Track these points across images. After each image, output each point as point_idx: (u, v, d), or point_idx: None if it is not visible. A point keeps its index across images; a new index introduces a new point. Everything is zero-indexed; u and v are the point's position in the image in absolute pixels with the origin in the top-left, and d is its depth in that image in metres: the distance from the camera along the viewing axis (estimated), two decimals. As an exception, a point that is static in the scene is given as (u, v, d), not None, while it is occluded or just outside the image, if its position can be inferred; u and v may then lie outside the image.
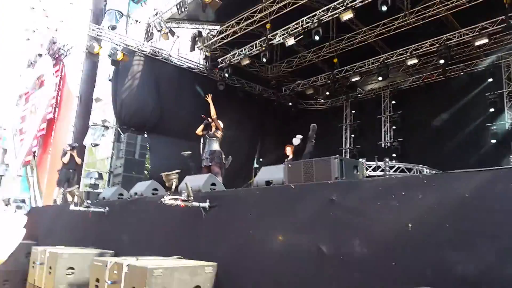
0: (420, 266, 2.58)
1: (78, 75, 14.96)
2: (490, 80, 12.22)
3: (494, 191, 2.43)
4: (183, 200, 4.29)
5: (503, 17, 10.16)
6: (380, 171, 10.89)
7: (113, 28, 12.83)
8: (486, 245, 2.37)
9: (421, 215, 2.70)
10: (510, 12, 9.85)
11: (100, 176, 12.71)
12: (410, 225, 2.70)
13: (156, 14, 12.57)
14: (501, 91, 12.13)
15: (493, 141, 11.67)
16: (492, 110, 11.98)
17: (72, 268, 4.97)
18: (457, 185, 2.62)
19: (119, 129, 12.74)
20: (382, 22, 11.89)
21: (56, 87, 15.80)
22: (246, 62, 13.24)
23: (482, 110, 12.19)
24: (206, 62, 14.74)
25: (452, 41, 11.55)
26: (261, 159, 15.12)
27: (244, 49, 13.08)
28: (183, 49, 14.60)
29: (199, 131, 7.57)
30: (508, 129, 11.73)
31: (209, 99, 7.54)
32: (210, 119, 7.35)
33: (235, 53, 13.37)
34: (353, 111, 16.26)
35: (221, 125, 7.40)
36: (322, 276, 3.15)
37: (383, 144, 14.78)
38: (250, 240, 3.86)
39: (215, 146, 7.32)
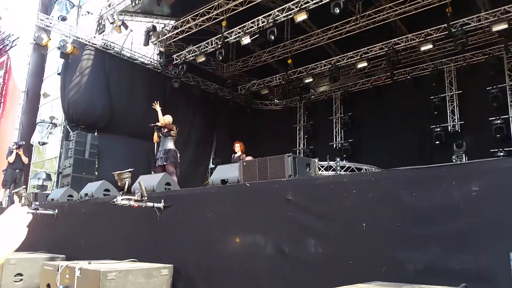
0: (376, 264, 2.71)
1: (25, 68, 14.22)
2: (434, 84, 12.94)
3: (438, 188, 2.59)
4: (136, 201, 4.24)
5: (445, 25, 10.81)
6: (332, 170, 11.23)
7: (63, 19, 12.27)
8: (431, 242, 2.54)
9: (373, 215, 2.83)
10: (452, 20, 10.52)
11: (49, 177, 12.13)
12: (364, 224, 2.83)
13: (109, 6, 12.16)
14: (444, 95, 12.88)
15: (437, 142, 12.36)
16: (435, 113, 12.69)
17: (20, 275, 4.74)
18: (404, 182, 2.78)
19: (67, 126, 12.16)
20: (335, 25, 12.24)
21: (0, 81, 14.94)
22: (201, 59, 13.14)
23: (426, 113, 12.88)
24: (160, 58, 14.45)
25: (400, 45, 12.12)
26: (216, 159, 15.09)
27: (200, 46, 12.98)
28: (136, 44, 14.24)
29: (155, 139, 7.46)
30: (450, 131, 12.49)
31: (156, 106, 7.45)
32: (159, 124, 7.29)
33: (191, 50, 13.24)
34: (306, 112, 16.61)
35: (174, 127, 7.36)
36: (282, 275, 3.22)
37: (334, 145, 15.22)
38: (207, 240, 3.89)
39: (170, 145, 7.24)
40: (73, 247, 5.42)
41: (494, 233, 2.32)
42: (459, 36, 10.51)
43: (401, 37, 12.07)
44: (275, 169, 3.94)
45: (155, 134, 7.39)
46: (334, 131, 15.43)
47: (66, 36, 11.98)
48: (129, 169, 6.48)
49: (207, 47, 12.83)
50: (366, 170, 10.37)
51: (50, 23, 12.05)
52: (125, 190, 5.54)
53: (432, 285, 2.26)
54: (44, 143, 12.65)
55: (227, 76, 15.60)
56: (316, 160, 6.93)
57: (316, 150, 15.34)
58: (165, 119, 7.34)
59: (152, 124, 7.40)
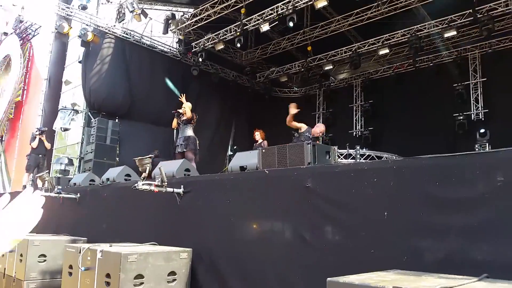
0: (396, 253, 2.69)
1: (47, 57, 14.47)
2: (458, 71, 12.61)
3: (461, 177, 2.54)
4: (157, 186, 4.29)
5: (470, 10, 10.47)
6: (351, 158, 11.13)
7: (84, 8, 12.40)
8: (453, 231, 2.50)
9: (394, 203, 2.79)
10: (478, 6, 10.18)
11: (71, 162, 12.41)
12: (386, 213, 2.80)
13: (129, -6, 12.24)
14: (467, 82, 12.55)
15: (460, 131, 12.08)
16: (459, 101, 12.39)
17: (44, 256, 4.88)
18: (426, 171, 2.72)
19: (89, 113, 12.40)
20: (356, 11, 12.01)
21: (23, 69, 15.26)
22: (220, 47, 13.13)
23: (449, 101, 12.58)
24: (179, 46, 14.50)
25: (423, 32, 11.82)
26: (235, 147, 15.13)
27: (219, 34, 12.95)
28: (156, 32, 14.31)
29: (174, 125, 7.53)
30: (473, 119, 12.19)
31: (183, 99, 7.49)
32: (180, 111, 7.36)
33: (209, 38, 13.22)
34: (326, 100, 16.45)
35: (195, 116, 7.41)
36: (302, 262, 3.22)
37: (354, 133, 15.06)
38: (226, 226, 3.92)
39: (189, 132, 7.31)
40: (94, 230, 5.55)
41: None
42: (485, 22, 10.18)
43: (424, 24, 11.77)
44: (294, 156, 3.93)
45: (174, 121, 7.45)
46: (354, 119, 15.25)
47: (86, 24, 12.12)
48: (150, 155, 6.57)
49: (226, 34, 12.79)
50: (387, 158, 10.23)
51: (71, 12, 12.19)
52: (146, 175, 5.63)
53: (452, 275, 2.23)
54: (66, 129, 12.92)
55: (245, 63, 15.54)
56: (336, 148, 6.88)
57: (335, 138, 15.19)
58: (185, 106, 7.38)
59: (174, 111, 7.47)
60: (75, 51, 13.34)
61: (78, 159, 12.43)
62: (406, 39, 12.14)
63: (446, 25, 11.31)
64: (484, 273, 2.12)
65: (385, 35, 12.58)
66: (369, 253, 2.82)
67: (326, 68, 14.33)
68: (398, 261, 2.60)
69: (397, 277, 2.19)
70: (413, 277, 2.20)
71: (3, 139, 16.11)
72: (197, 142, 7.39)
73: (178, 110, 7.40)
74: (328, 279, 2.11)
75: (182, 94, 7.69)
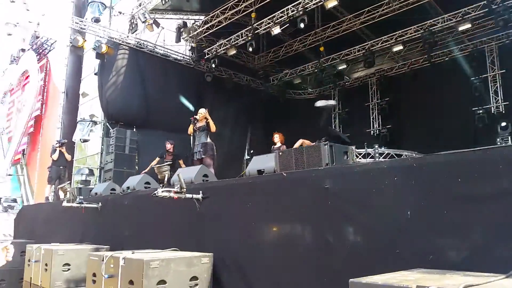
0: (420, 252, 2.64)
1: (63, 70, 14.77)
2: (474, 64, 12.37)
3: (484, 172, 2.48)
4: (176, 192, 4.32)
5: (484, 1, 10.27)
6: (370, 157, 11.02)
7: (97, 20, 12.64)
8: (478, 228, 2.44)
9: (417, 202, 2.74)
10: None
11: (91, 172, 12.61)
12: (409, 212, 2.75)
13: (140, 5, 12.41)
14: (485, 75, 12.30)
15: (480, 125, 11.85)
16: (477, 94, 12.16)
17: (68, 264, 4.99)
18: (448, 167, 2.66)
19: (107, 124, 12.61)
20: (367, 9, 11.93)
21: (41, 83, 15.61)
22: (232, 52, 13.20)
23: (467, 95, 12.34)
24: (192, 53, 14.64)
25: (436, 26, 11.65)
26: (252, 151, 15.14)
27: (230, 39, 13.02)
28: (168, 40, 14.47)
29: (190, 131, 7.60)
30: (493, 113, 11.94)
31: (207, 114, 7.51)
32: (196, 117, 7.44)
33: (221, 43, 13.31)
34: (341, 100, 16.34)
35: (213, 126, 7.47)
36: (326, 265, 3.18)
37: (372, 132, 14.92)
38: (246, 230, 3.91)
39: (206, 138, 7.40)
40: (116, 238, 5.62)
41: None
42: (500, 13, 9.97)
43: (436, 18, 11.60)
44: (312, 158, 3.90)
45: (190, 127, 7.52)
46: (371, 118, 15.11)
47: (100, 37, 12.35)
48: (168, 162, 6.64)
49: (237, 39, 12.85)
50: (406, 156, 10.09)
51: (85, 25, 12.44)
52: (165, 182, 5.68)
53: (478, 272, 2.18)
54: (85, 140, 13.16)
55: (258, 67, 15.58)
56: (354, 147, 6.83)
57: (353, 138, 15.01)
58: (201, 112, 7.47)
59: (192, 117, 7.56)
60: (90, 63, 13.60)
61: (98, 169, 12.64)
62: (420, 35, 11.99)
63: (460, 18, 11.12)
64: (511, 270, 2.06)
65: (398, 32, 12.44)
66: (393, 253, 2.77)
67: (340, 68, 14.24)
68: (423, 260, 2.55)
69: (421, 276, 2.15)
70: (438, 275, 2.16)
71: (25, 153, 16.48)
72: (215, 148, 7.44)
73: (195, 116, 7.48)
74: (351, 280, 2.09)
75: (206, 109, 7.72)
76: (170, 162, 7.35)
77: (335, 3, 10.29)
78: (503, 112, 11.85)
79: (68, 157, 10.43)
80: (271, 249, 3.64)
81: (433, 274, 2.21)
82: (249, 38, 12.20)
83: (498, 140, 10.75)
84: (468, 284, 1.72)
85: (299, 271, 3.35)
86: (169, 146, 9.25)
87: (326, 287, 3.11)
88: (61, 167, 10.26)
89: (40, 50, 16.37)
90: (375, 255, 2.88)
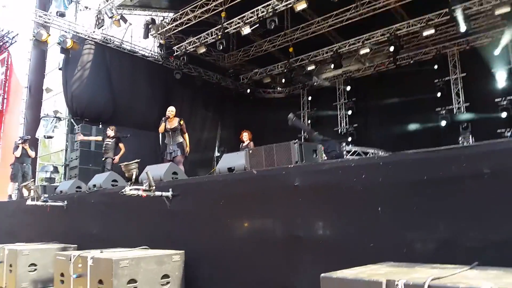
0: (391, 246, 2.73)
1: (26, 64, 14.24)
2: (437, 67, 12.89)
3: (447, 171, 2.59)
4: (144, 190, 4.28)
5: (446, 9, 10.73)
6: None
7: (62, 14, 12.23)
8: (444, 222, 2.56)
9: (385, 198, 2.84)
10: (453, 5, 10.42)
11: (56, 170, 12.21)
12: (379, 208, 2.84)
13: (107, 0, 12.13)
14: (448, 78, 12.86)
15: (443, 125, 12.38)
16: (439, 95, 12.73)
17: (34, 265, 4.84)
18: (414, 165, 2.77)
19: (72, 120, 12.24)
20: (335, 12, 12.16)
21: (2, 77, 14.99)
22: (202, 50, 13.11)
23: (431, 96, 12.86)
24: (161, 50, 14.43)
25: (402, 31, 12.04)
26: (222, 148, 15.14)
27: (200, 37, 12.93)
28: (136, 37, 14.21)
29: (161, 129, 7.54)
30: (455, 113, 12.50)
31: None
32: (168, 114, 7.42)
33: (191, 41, 13.19)
34: (310, 99, 16.62)
35: (184, 125, 7.54)
36: (297, 261, 3.23)
37: (339, 130, 15.28)
38: (216, 227, 3.93)
39: (180, 138, 7.45)
40: (84, 237, 5.49)
41: (506, 213, 2.33)
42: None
43: (402, 23, 11.99)
44: (282, 156, 3.96)
45: (162, 125, 7.45)
46: (339, 117, 15.47)
47: (65, 31, 11.96)
48: (136, 160, 6.54)
49: (207, 38, 12.78)
50: (373, 153, 10.37)
51: (49, 19, 12.02)
52: (133, 180, 5.60)
53: (444, 264, 2.28)
54: (49, 137, 12.73)
55: (228, 66, 15.56)
56: (322, 146, 6.95)
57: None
58: (171, 110, 7.43)
59: (164, 118, 7.51)
60: (54, 58, 13.16)
61: (63, 167, 12.26)
62: (386, 38, 12.35)
63: (424, 24, 11.54)
64: (475, 261, 2.18)
65: (365, 35, 12.77)
66: (364, 248, 2.85)
67: (309, 69, 14.45)
68: (394, 254, 2.65)
69: (390, 269, 2.21)
70: (406, 269, 2.22)
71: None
72: (186, 146, 7.48)
73: (168, 116, 7.44)
74: (322, 275, 2.13)
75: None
76: (139, 160, 7.22)
77: (304, 5, 10.44)
78: (464, 112, 12.43)
79: (31, 154, 10.09)
80: (243, 245, 3.68)
81: (402, 267, 2.28)
82: (219, 37, 12.16)
83: (460, 139, 11.25)
84: (435, 277, 1.80)
85: (271, 266, 3.40)
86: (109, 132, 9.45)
87: (299, 282, 3.17)
88: (24, 164, 9.93)
89: (1, 43, 15.70)
90: (346, 250, 2.97)
